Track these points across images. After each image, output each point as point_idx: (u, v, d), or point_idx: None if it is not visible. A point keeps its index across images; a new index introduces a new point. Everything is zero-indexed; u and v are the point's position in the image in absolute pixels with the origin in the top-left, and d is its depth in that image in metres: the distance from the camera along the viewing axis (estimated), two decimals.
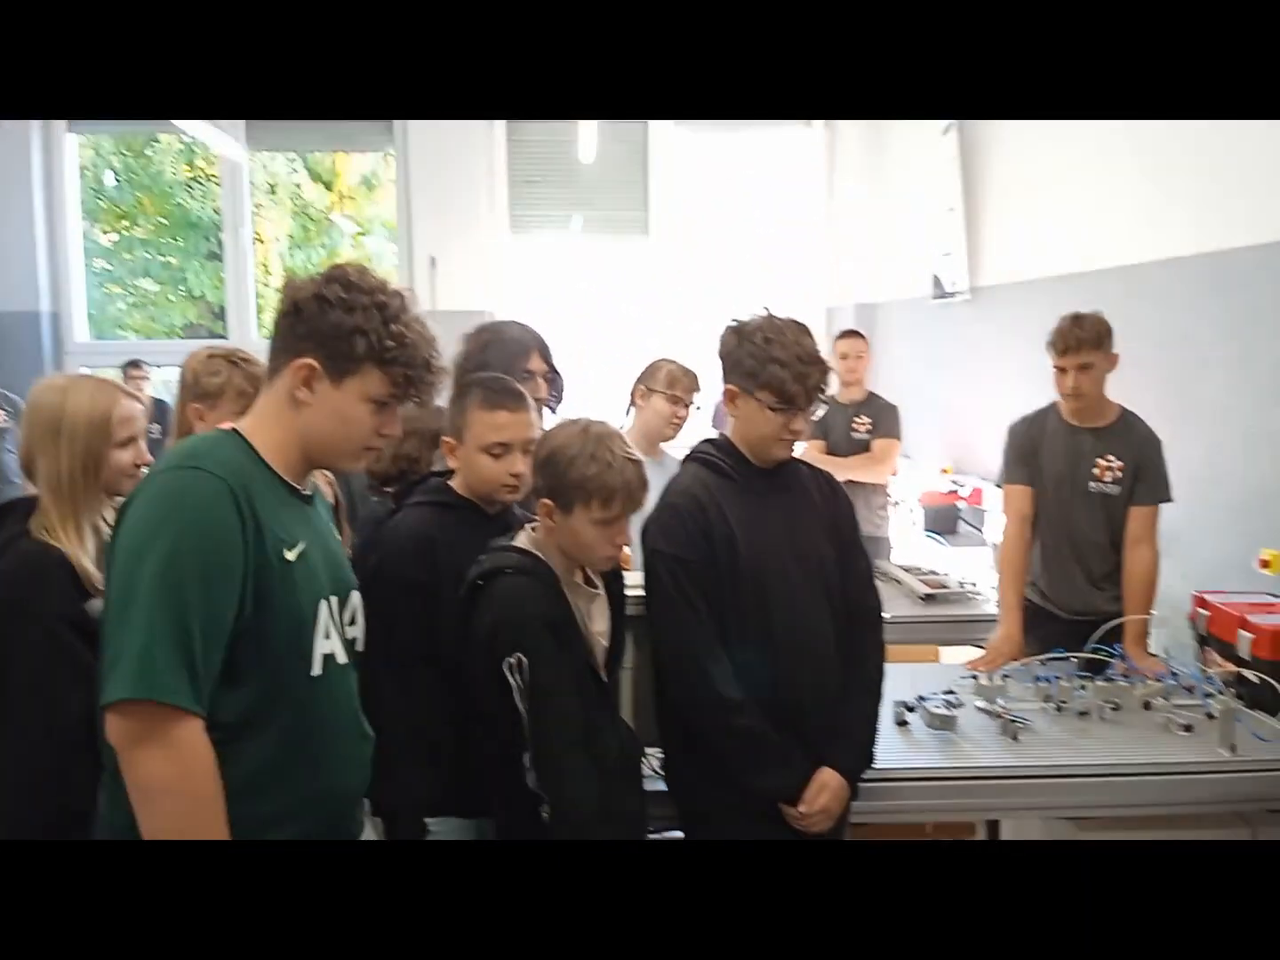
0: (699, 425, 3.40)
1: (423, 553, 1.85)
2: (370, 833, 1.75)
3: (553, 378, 2.42)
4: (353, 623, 1.54)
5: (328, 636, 1.45)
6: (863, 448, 4.31)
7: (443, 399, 1.92)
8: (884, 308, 6.36)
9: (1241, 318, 3.18)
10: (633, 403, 3.19)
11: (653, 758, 2.28)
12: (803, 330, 1.99)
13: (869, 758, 2.06)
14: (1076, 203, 4.12)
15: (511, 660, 1.67)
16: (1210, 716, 2.36)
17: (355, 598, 1.55)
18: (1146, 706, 2.47)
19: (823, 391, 1.99)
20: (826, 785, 1.95)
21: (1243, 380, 3.20)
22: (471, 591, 1.76)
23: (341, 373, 1.43)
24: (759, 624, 1.97)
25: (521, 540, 1.81)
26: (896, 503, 5.04)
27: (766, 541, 1.99)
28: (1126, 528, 2.88)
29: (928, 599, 3.44)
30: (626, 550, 2.74)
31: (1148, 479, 2.86)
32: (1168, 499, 2.89)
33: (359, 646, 1.56)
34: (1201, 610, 2.76)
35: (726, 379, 2.04)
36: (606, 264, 6.70)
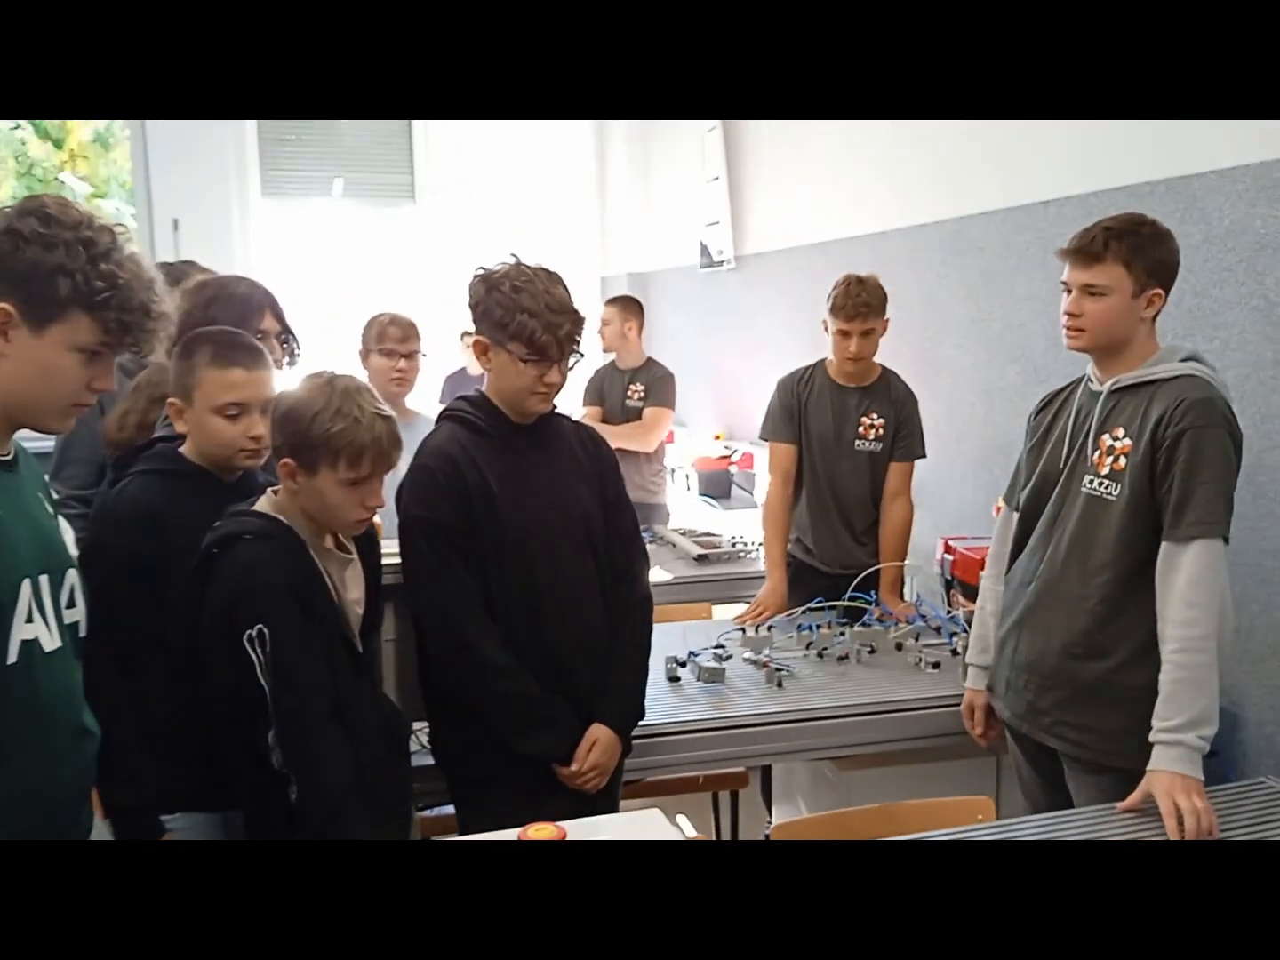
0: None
1: (148, 527, 1.68)
2: (104, 834, 1.58)
3: (286, 339, 2.25)
4: (72, 605, 1.38)
5: (30, 620, 1.28)
6: (636, 415, 4.33)
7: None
8: (656, 276, 6.43)
9: (976, 281, 3.40)
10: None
11: (421, 733, 2.21)
12: (554, 279, 1.93)
13: (639, 711, 2.06)
14: (831, 175, 4.29)
15: (252, 633, 1.55)
16: (955, 653, 2.52)
17: (73, 576, 1.39)
18: (899, 648, 2.61)
19: (576, 343, 1.93)
20: (597, 741, 1.94)
21: (979, 340, 3.42)
22: (205, 561, 1.61)
23: (42, 319, 1.26)
24: (523, 584, 1.92)
25: (262, 505, 1.68)
26: (673, 470, 5.14)
27: (528, 499, 1.94)
28: (886, 483, 3.02)
29: (701, 559, 3.53)
30: (378, 518, 2.64)
31: (906, 436, 3.02)
32: (923, 455, 3.06)
33: (82, 631, 1.40)
34: (947, 555, 2.94)
35: (477, 330, 1.96)
36: (371, 231, 6.41)
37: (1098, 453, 1.94)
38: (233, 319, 2.04)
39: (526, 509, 1.93)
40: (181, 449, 1.79)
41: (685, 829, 0.98)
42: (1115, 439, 1.92)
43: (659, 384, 4.33)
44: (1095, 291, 1.88)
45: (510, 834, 0.98)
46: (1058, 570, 1.97)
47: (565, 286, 1.95)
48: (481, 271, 1.94)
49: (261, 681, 1.56)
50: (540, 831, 0.95)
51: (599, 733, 1.95)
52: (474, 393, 2.03)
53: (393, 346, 3.00)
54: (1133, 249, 1.85)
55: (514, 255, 1.95)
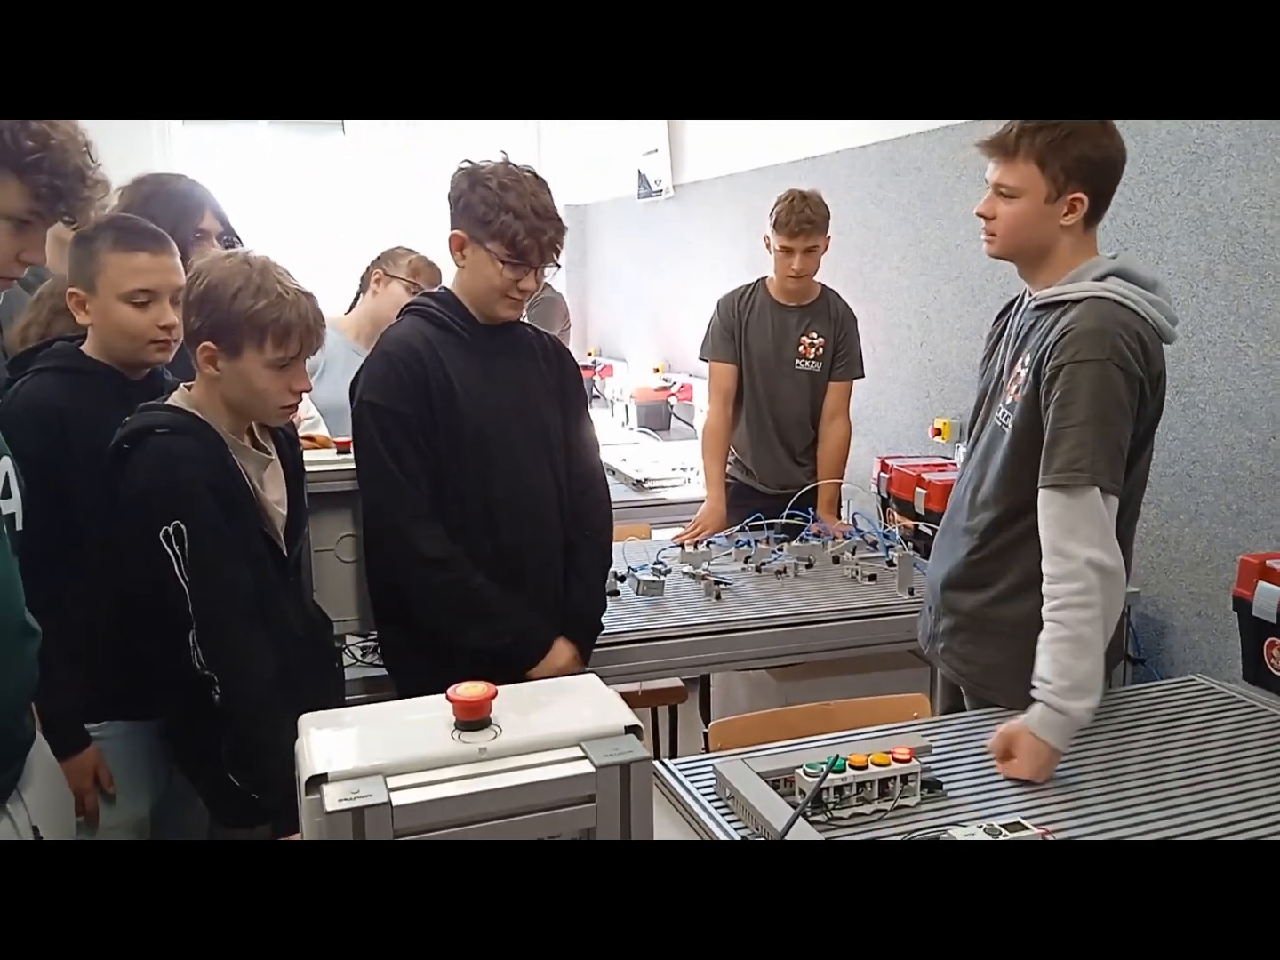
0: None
1: (48, 426, 1.59)
2: (44, 745, 1.51)
3: (230, 240, 2.16)
4: (7, 495, 1.29)
5: None
6: None
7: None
8: (593, 208, 6.33)
9: (914, 202, 3.39)
10: (365, 286, 2.96)
11: (355, 646, 2.17)
12: (541, 183, 1.86)
13: (599, 628, 2.07)
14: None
15: (169, 529, 1.48)
16: (891, 565, 2.54)
17: (7, 464, 1.30)
18: (836, 561, 2.62)
19: (557, 251, 1.87)
20: (561, 653, 1.94)
21: (916, 262, 3.42)
22: (117, 458, 1.53)
23: None
24: (478, 485, 1.88)
25: (175, 400, 1.59)
26: (613, 401, 5.09)
27: (489, 400, 1.88)
28: (824, 402, 3.01)
29: (640, 484, 3.51)
30: (324, 433, 2.55)
31: (845, 355, 3.00)
32: (861, 374, 3.05)
33: (18, 524, 1.32)
34: (883, 473, 2.95)
35: (455, 224, 1.87)
36: (298, 160, 6.19)
37: (1011, 378, 1.75)
38: (171, 217, 1.96)
39: (488, 410, 1.87)
40: (82, 347, 1.70)
41: (623, 706, 0.92)
42: (1023, 366, 1.72)
43: (544, 309, 4.21)
44: (1006, 192, 1.66)
45: (438, 698, 0.95)
46: (958, 498, 1.87)
47: (550, 193, 1.88)
48: (468, 165, 1.86)
49: (180, 580, 1.49)
50: (470, 689, 0.92)
51: (564, 648, 1.94)
52: (441, 290, 1.95)
53: (424, 286, 2.92)
54: (1048, 146, 1.61)
55: (503, 153, 1.88)
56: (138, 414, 1.56)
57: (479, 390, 1.88)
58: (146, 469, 1.50)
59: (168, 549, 1.48)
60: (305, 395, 1.68)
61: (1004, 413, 1.74)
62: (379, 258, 2.99)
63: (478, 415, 1.87)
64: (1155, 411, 1.69)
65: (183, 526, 1.48)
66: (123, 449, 1.52)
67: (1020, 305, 1.85)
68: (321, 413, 2.82)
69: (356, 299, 3.01)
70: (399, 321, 1.94)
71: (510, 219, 1.79)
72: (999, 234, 1.70)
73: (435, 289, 1.96)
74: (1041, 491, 1.61)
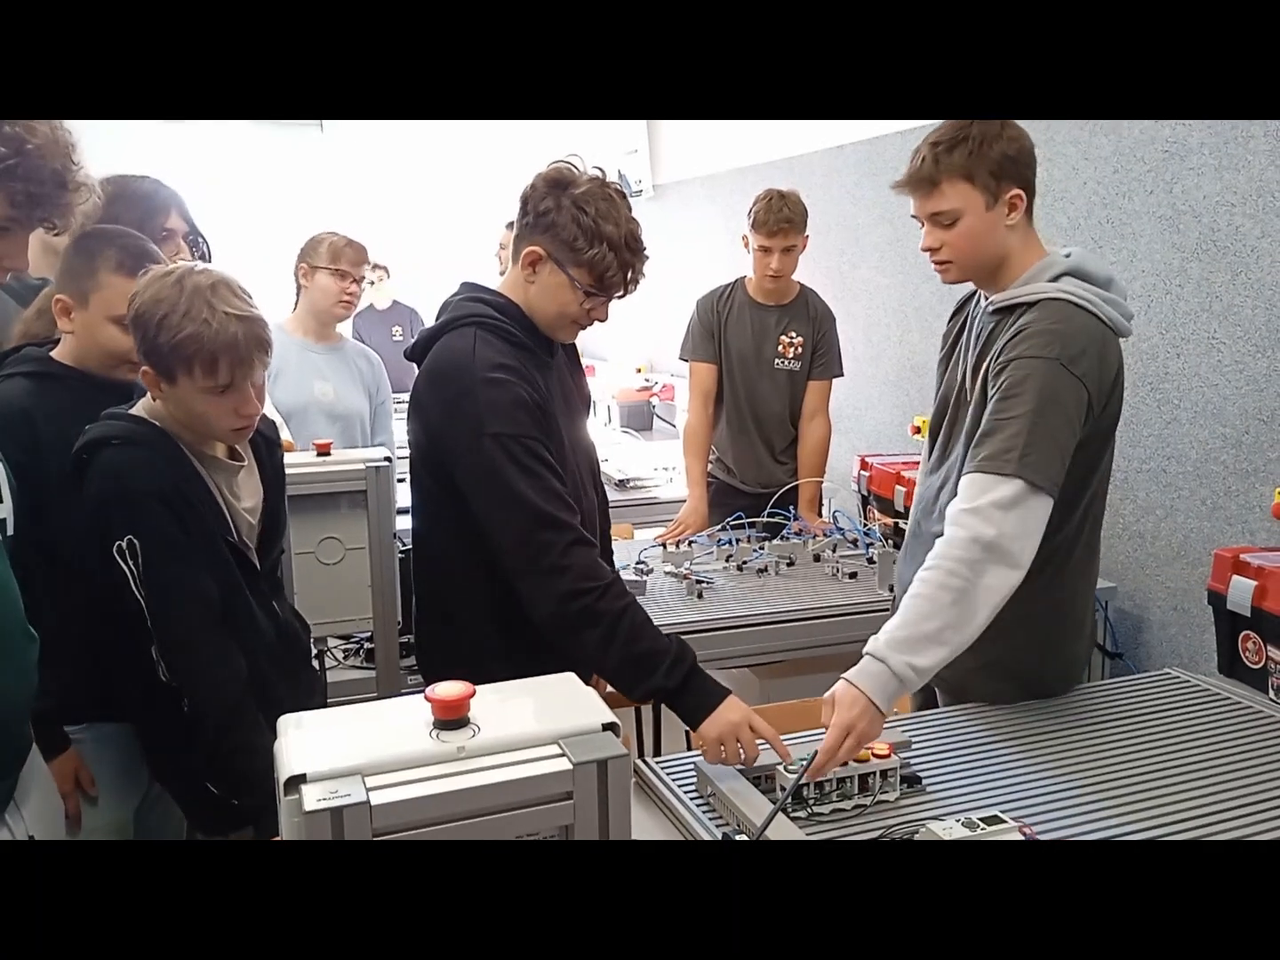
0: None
1: (17, 427, 1.57)
2: (35, 751, 1.51)
3: (195, 240, 2.14)
4: None
5: None
6: None
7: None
8: None
9: (892, 201, 3.40)
10: (298, 284, 2.95)
11: (337, 649, 2.16)
12: (628, 203, 1.69)
13: None
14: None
15: (121, 544, 1.45)
16: (871, 562, 2.55)
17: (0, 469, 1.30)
18: (817, 559, 2.63)
19: (639, 281, 1.72)
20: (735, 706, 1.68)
21: (895, 260, 3.44)
22: (76, 467, 1.51)
23: None
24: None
25: (139, 408, 1.57)
26: (594, 402, 5.07)
27: (560, 420, 1.73)
28: (804, 401, 3.03)
29: (622, 484, 3.52)
30: (288, 438, 2.53)
31: (824, 354, 3.02)
32: (840, 373, 3.07)
33: (9, 529, 1.32)
34: (863, 471, 2.97)
35: (531, 236, 1.66)
36: (274, 157, 6.17)
37: (977, 381, 1.73)
38: (136, 217, 1.94)
39: (564, 430, 1.73)
40: (53, 353, 1.68)
41: (601, 704, 0.92)
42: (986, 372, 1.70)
43: None
44: (945, 219, 1.64)
45: (416, 698, 0.95)
46: (928, 501, 1.83)
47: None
48: (554, 174, 1.65)
49: (136, 594, 1.47)
50: (448, 689, 0.92)
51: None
52: (497, 297, 1.71)
53: (347, 269, 2.89)
54: (968, 158, 1.61)
55: (599, 169, 1.69)
56: (98, 423, 1.53)
57: (558, 409, 1.74)
58: (100, 481, 1.48)
59: (122, 564, 1.46)
60: (268, 399, 1.64)
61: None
62: (301, 251, 2.94)
63: (562, 435, 1.72)
64: (1116, 409, 1.69)
65: (135, 541, 1.45)
66: (81, 458, 1.50)
67: (976, 305, 1.84)
68: (284, 417, 2.80)
69: (298, 295, 2.97)
70: (462, 335, 1.66)
71: (604, 250, 1.62)
72: (954, 259, 1.68)
73: (494, 297, 1.72)
74: (964, 477, 1.58)
